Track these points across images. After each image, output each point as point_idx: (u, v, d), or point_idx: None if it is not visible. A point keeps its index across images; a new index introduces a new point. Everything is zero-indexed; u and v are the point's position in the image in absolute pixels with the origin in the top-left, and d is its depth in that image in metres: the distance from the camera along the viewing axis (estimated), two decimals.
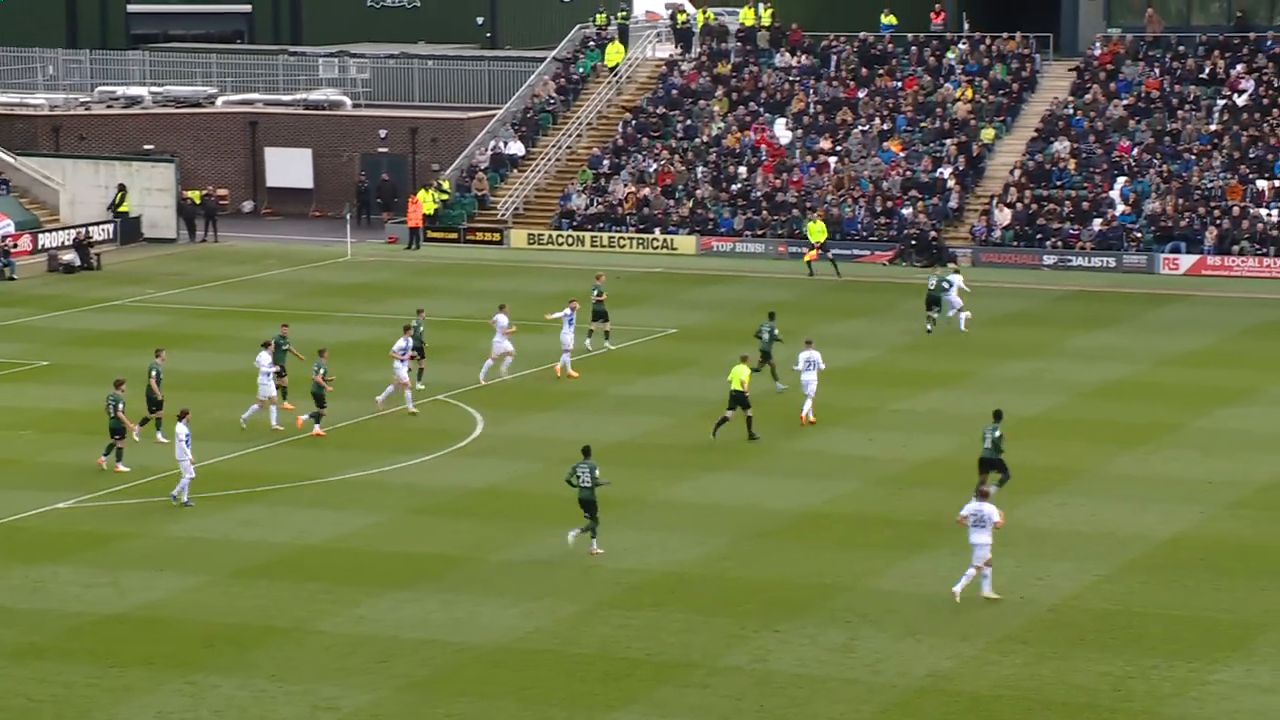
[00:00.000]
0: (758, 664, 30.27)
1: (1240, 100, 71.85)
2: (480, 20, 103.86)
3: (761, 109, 76.44)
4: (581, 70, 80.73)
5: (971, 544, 32.77)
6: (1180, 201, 67.93)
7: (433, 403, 47.20)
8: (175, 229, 75.19)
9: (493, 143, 77.78)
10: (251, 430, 44.75)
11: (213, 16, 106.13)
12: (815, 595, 33.31)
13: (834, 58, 77.62)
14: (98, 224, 73.34)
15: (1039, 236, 67.98)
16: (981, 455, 38.37)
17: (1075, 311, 59.70)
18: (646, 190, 73.52)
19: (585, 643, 31.25)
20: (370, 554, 36.09)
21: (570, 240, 72.32)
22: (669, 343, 55.39)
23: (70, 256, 69.65)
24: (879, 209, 70.32)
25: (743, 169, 73.81)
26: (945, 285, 55.60)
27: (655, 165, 74.62)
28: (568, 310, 50.33)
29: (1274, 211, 67.10)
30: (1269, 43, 73.68)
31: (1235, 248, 65.89)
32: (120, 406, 41.45)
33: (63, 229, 72.73)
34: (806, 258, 65.81)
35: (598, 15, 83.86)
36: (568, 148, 77.19)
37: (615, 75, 79.70)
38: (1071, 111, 72.84)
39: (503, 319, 49.53)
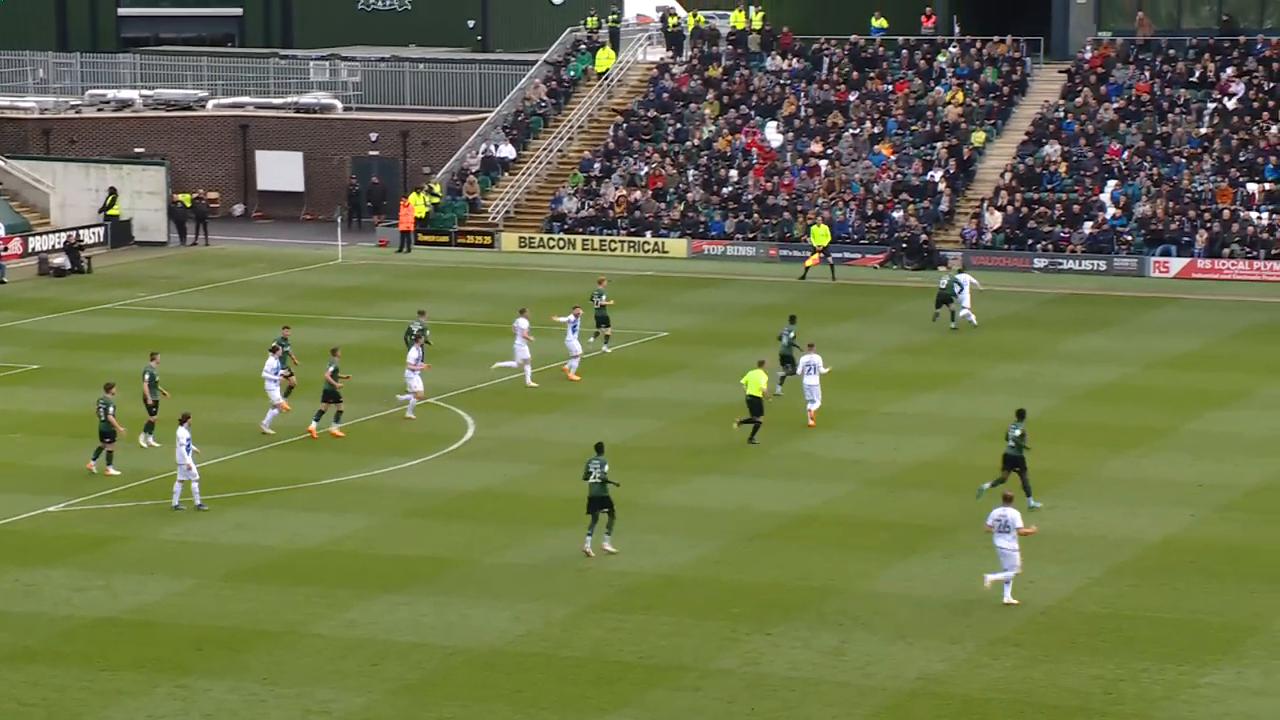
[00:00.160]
0: (749, 667, 30.30)
1: (1230, 103, 71.96)
2: (471, 23, 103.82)
3: (752, 112, 76.48)
4: (572, 73, 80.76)
5: (997, 548, 32.80)
6: (1171, 205, 68.03)
7: (425, 406, 47.18)
8: (166, 232, 75.15)
9: (484, 146, 77.78)
10: (246, 433, 44.72)
11: (203, 19, 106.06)
12: (807, 598, 33.34)
13: (825, 61, 77.69)
14: (88, 227, 73.29)
15: (1030, 240, 68.06)
16: (1005, 453, 38.43)
17: (1066, 314, 59.78)
18: (638, 193, 73.55)
19: (577, 646, 31.27)
20: (363, 557, 36.10)
21: (561, 243, 72.34)
22: (660, 346, 55.41)
23: (61, 260, 69.60)
24: (870, 212, 70.39)
25: (734, 172, 73.86)
26: (957, 287, 56.14)
27: (646, 168, 74.65)
28: (571, 316, 50.41)
29: (1264, 215, 67.21)
30: (1259, 46, 73.81)
31: (1225, 251, 65.99)
32: (111, 410, 41.42)
33: (53, 232, 72.69)
34: (809, 262, 65.73)
35: (589, 18, 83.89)
36: (559, 151, 77.20)
37: (606, 79, 79.71)
38: (1062, 115, 72.94)
39: (523, 323, 49.56)
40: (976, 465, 41.92)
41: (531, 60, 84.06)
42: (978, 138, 72.99)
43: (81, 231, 72.33)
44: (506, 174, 76.67)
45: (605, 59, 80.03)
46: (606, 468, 35.70)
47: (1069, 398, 48.28)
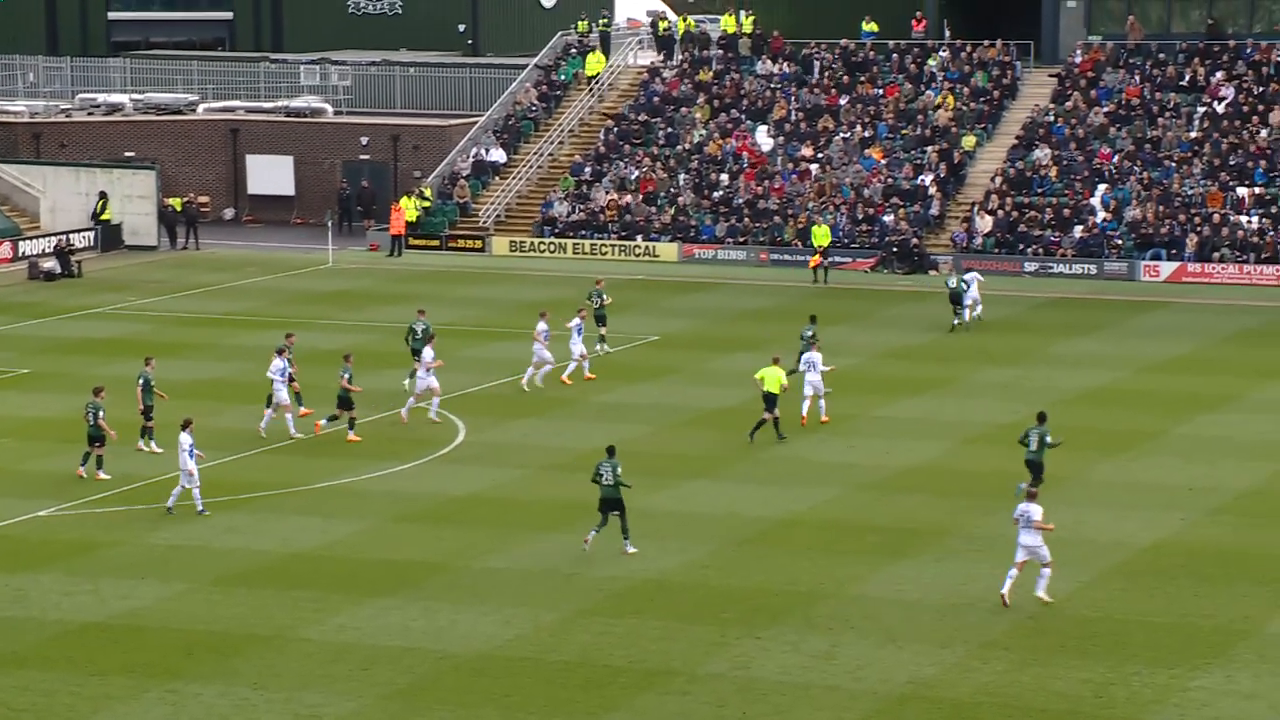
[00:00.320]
0: (739, 671, 30.29)
1: (1220, 107, 72.05)
2: (462, 27, 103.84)
3: (743, 116, 76.52)
4: (563, 77, 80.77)
5: (1019, 544, 32.88)
6: (1161, 209, 68.11)
7: (414, 410, 47.13)
8: (156, 236, 75.12)
9: (474, 150, 77.79)
10: (237, 437, 44.66)
11: (194, 24, 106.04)
12: (796, 602, 33.33)
13: (816, 65, 77.73)
14: (78, 231, 73.24)
15: (1020, 244, 68.11)
16: (1026, 458, 38.58)
17: (1056, 318, 59.82)
18: (628, 197, 73.56)
19: (566, 650, 31.25)
20: (352, 561, 36.06)
21: (552, 247, 72.34)
22: (651, 350, 55.40)
23: (51, 264, 69.53)
24: (860, 216, 70.42)
25: (724, 176, 73.90)
26: (964, 285, 56.81)
27: (637, 172, 74.67)
28: (576, 320, 50.49)
29: (1254, 219, 67.29)
30: (1248, 50, 73.91)
31: (1215, 255, 66.07)
32: (100, 414, 41.38)
33: (43, 236, 72.62)
34: (812, 263, 65.82)
35: (579, 22, 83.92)
36: (549, 155, 77.22)
37: (596, 83, 79.72)
38: (1052, 119, 73.01)
39: (543, 326, 49.62)
40: (967, 469, 42.00)
41: (522, 64, 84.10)
42: (968, 142, 73.05)
43: (72, 235, 72.28)
44: (497, 178, 76.68)
45: (595, 63, 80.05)
46: (619, 470, 35.84)
47: (1059, 401, 48.28)
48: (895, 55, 77.56)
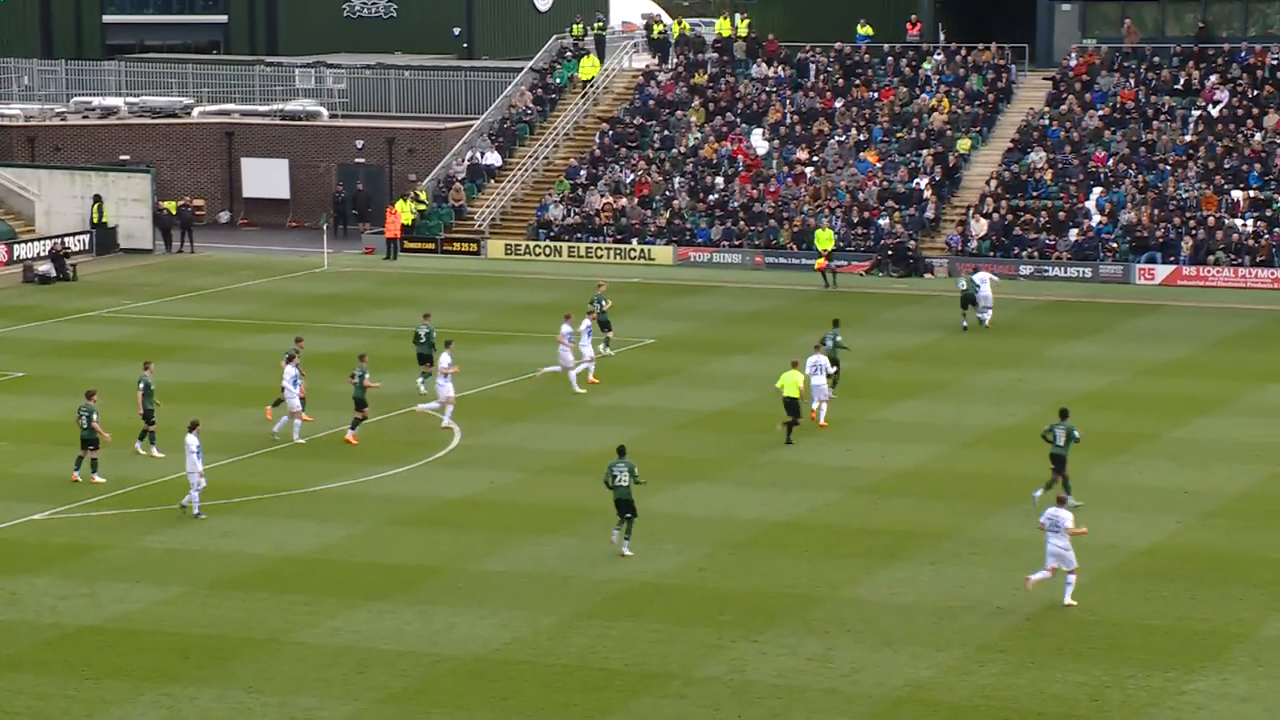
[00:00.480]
0: (735, 674, 30.28)
1: (1215, 111, 72.11)
2: (457, 30, 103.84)
3: (738, 119, 76.54)
4: (558, 81, 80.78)
5: (1049, 549, 32.98)
6: (1156, 212, 68.15)
7: (411, 413, 47.12)
8: (151, 239, 75.08)
9: (470, 153, 77.79)
10: (232, 440, 44.61)
11: (189, 27, 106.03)
12: (793, 605, 33.33)
13: (813, 68, 77.75)
14: (74, 235, 73.21)
15: (1015, 247, 68.14)
16: (1051, 453, 38.62)
17: (1051, 321, 59.84)
18: (623, 201, 73.57)
19: (563, 653, 31.24)
20: (348, 565, 36.04)
21: (547, 251, 72.34)
22: (647, 353, 55.40)
23: (46, 267, 69.49)
24: (856, 219, 70.44)
25: (720, 179, 73.92)
26: (975, 286, 57.23)
27: (632, 176, 74.68)
28: (586, 322, 50.61)
29: (1249, 222, 67.33)
30: (1243, 53, 73.97)
31: (1210, 258, 66.10)
32: (94, 417, 41.34)
33: (38, 240, 72.59)
34: (818, 266, 65.87)
35: (574, 26, 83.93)
36: (545, 158, 77.22)
37: (591, 87, 79.72)
38: (1047, 122, 73.05)
39: (567, 328, 49.68)
40: (963, 472, 42.01)
41: (517, 67, 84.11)
42: (963, 145, 73.08)
43: (67, 239, 72.25)
44: (492, 181, 76.68)
45: (590, 67, 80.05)
46: (636, 469, 35.99)
47: (1055, 405, 48.07)
48: (890, 58, 77.60)
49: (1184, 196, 68.65)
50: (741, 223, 71.43)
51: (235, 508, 39.64)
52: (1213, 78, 73.32)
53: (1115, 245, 67.37)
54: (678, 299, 64.28)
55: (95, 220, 74.20)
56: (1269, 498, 40.02)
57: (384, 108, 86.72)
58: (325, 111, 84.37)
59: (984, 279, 57.95)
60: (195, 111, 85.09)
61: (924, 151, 72.96)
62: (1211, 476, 41.53)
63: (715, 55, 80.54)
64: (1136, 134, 71.80)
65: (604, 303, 53.82)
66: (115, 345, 56.71)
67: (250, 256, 73.95)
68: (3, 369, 53.92)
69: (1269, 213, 67.69)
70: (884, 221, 69.77)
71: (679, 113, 77.58)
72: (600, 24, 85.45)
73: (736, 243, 70.79)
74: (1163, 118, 72.25)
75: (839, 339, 48.66)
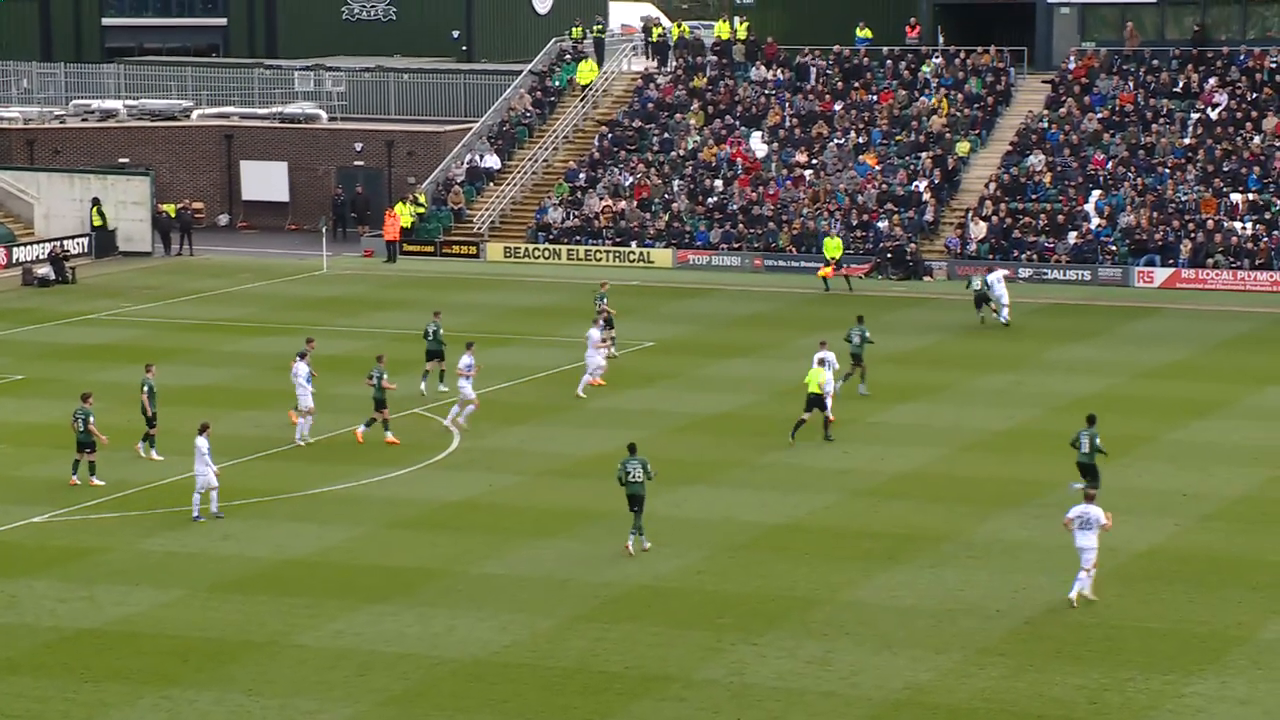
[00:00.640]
0: (735, 677, 30.30)
1: (1214, 114, 72.15)
2: (456, 33, 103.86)
3: (737, 122, 76.57)
4: (557, 84, 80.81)
5: (1078, 547, 33.03)
6: (1155, 215, 68.18)
7: (409, 416, 47.15)
8: (150, 242, 75.09)
9: (469, 156, 77.81)
10: (231, 443, 44.62)
11: (188, 30, 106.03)
12: (792, 608, 33.35)
13: (813, 71, 77.78)
14: (73, 237, 73.23)
15: (1014, 250, 68.15)
16: (1078, 461, 38.75)
17: (1050, 324, 59.86)
18: (623, 203, 73.60)
19: (562, 656, 31.25)
20: (348, 568, 36.06)
21: (546, 254, 72.37)
22: (646, 356, 55.41)
23: (45, 270, 69.52)
24: (855, 222, 70.47)
25: (719, 182, 73.94)
26: (989, 285, 58.11)
27: (631, 178, 74.72)
28: (594, 331, 50.90)
29: (1248, 225, 67.37)
30: (1241, 56, 74.01)
31: (1209, 261, 66.13)
32: (90, 420, 41.35)
33: (37, 242, 72.61)
34: (822, 273, 65.92)
35: (573, 29, 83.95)
36: (544, 161, 77.25)
37: (590, 91, 79.73)
38: (1046, 125, 73.08)
39: (595, 333, 49.76)
40: (962, 475, 42.03)
41: (516, 70, 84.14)
42: (962, 148, 73.12)
43: (66, 242, 72.26)
44: (491, 184, 76.70)
45: (588, 72, 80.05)
46: (648, 465, 36.20)
47: (1053, 408, 48.34)
48: (889, 61, 77.63)
49: (1183, 199, 68.68)
50: (741, 225, 71.45)
51: (235, 510, 39.64)
52: (1211, 81, 73.36)
53: (1114, 248, 67.40)
54: (677, 302, 64.31)
55: (94, 223, 74.22)
56: (1268, 500, 40.05)
57: (383, 110, 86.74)
58: (324, 114, 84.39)
59: (998, 278, 58.58)
60: (194, 114, 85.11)
61: (923, 154, 72.99)
62: (1210, 479, 41.55)
63: (714, 58, 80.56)
64: (1135, 137, 71.83)
65: (604, 302, 53.82)
66: (114, 348, 56.73)
67: (249, 259, 73.96)
68: (2, 372, 53.92)
69: (1268, 216, 67.73)
70: (883, 224, 69.81)
71: (678, 116, 77.61)
72: (599, 27, 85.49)
73: (736, 245, 70.82)
74: (1162, 121, 72.29)
75: (866, 334, 48.91)
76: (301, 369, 44.84)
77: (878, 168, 72.97)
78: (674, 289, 66.59)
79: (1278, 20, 78.33)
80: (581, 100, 79.52)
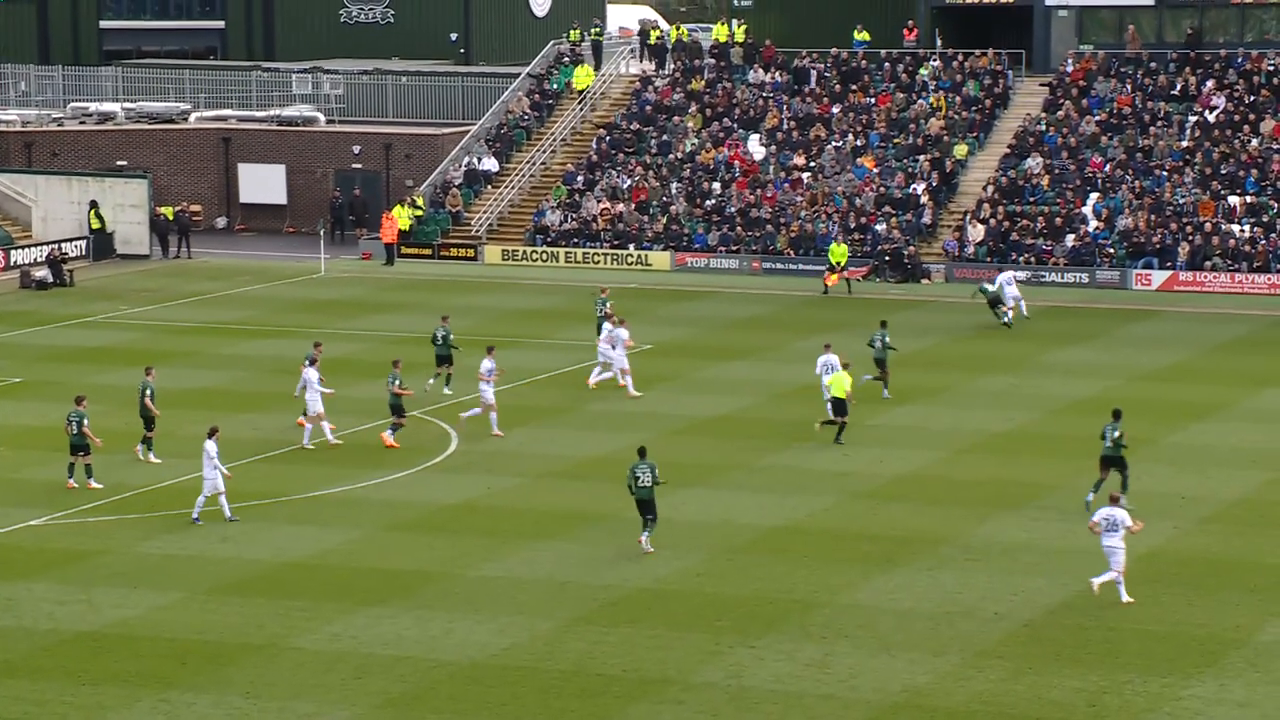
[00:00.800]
0: (733, 680, 30.29)
1: (1211, 116, 72.17)
2: (454, 36, 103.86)
3: (735, 125, 76.58)
4: (555, 86, 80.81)
5: (1105, 548, 33.14)
6: (1153, 217, 68.20)
7: (409, 418, 47.06)
8: (149, 245, 75.07)
9: (467, 159, 77.80)
10: (229, 446, 44.48)
11: (186, 33, 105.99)
12: (790, 610, 33.35)
13: (813, 73, 77.76)
14: (71, 240, 73.20)
15: (1012, 252, 68.15)
16: (1102, 454, 38.82)
17: (1048, 327, 59.84)
18: (621, 206, 73.60)
19: (561, 659, 31.25)
20: (346, 570, 36.05)
21: (544, 256, 72.37)
22: (644, 358, 55.32)
23: (43, 273, 69.50)
24: (853, 225, 70.47)
25: (717, 185, 73.94)
26: (1001, 286, 58.65)
27: (629, 181, 74.71)
28: (607, 326, 50.86)
29: (1245, 227, 67.38)
30: (1239, 59, 74.04)
31: (1207, 263, 66.15)
32: (84, 423, 41.33)
33: (35, 245, 72.59)
34: (830, 280, 65.88)
35: (572, 31, 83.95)
36: (542, 164, 77.24)
37: (587, 94, 79.70)
38: (1044, 128, 73.10)
39: (623, 333, 49.81)
40: (960, 478, 42.02)
41: (514, 73, 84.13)
42: (960, 150, 73.12)
43: (64, 244, 72.24)
44: (489, 187, 76.69)
45: (584, 77, 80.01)
46: (656, 470, 36.21)
47: (1051, 410, 48.36)
48: (887, 64, 77.65)
49: (1181, 202, 68.69)
50: (739, 228, 71.45)
51: (234, 513, 39.59)
52: (1209, 84, 73.38)
53: (1112, 251, 67.40)
54: (675, 304, 64.30)
55: (92, 226, 74.20)
56: (1266, 503, 40.05)
57: (381, 113, 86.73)
58: (322, 117, 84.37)
59: (1009, 279, 59.35)
60: (192, 117, 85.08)
61: (921, 157, 73.00)
62: (1208, 482, 41.56)
63: (712, 61, 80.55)
64: (1133, 140, 71.85)
65: (606, 306, 53.79)
66: (112, 351, 56.71)
67: (247, 262, 73.94)
68: (0, 374, 53.89)
69: (1265, 218, 67.75)
70: (881, 227, 69.81)
71: (676, 118, 77.61)
72: (597, 30, 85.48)
73: (734, 248, 70.82)
74: (1159, 123, 72.30)
75: (887, 339, 48.97)
76: (312, 375, 44.81)
77: (875, 170, 72.98)
78: (672, 291, 66.59)
79: (1275, 23, 78.34)
80: (579, 103, 79.53)
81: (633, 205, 73.64)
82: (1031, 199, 70.35)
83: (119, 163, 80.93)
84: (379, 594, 34.40)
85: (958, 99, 75.46)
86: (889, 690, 29.80)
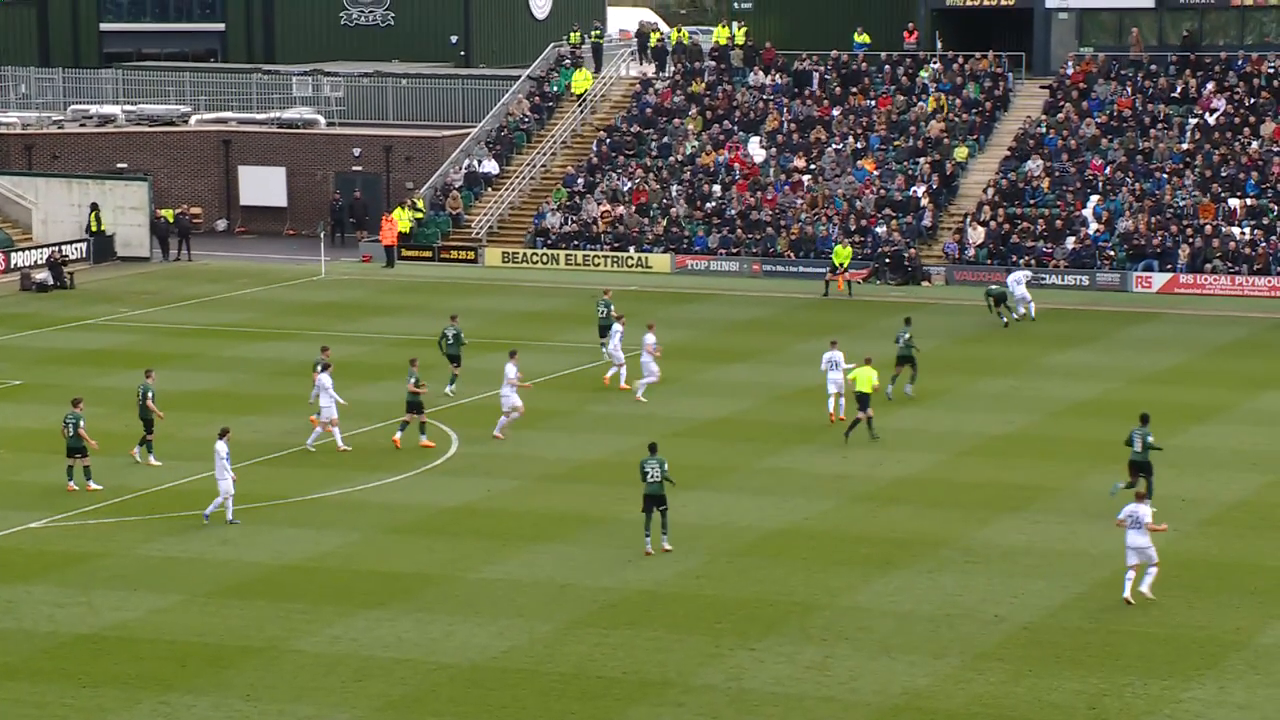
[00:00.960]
0: (733, 682, 30.29)
1: (1211, 119, 72.19)
2: (454, 38, 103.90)
3: (735, 127, 76.60)
4: (556, 89, 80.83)
5: (1128, 546, 33.23)
6: (1153, 220, 68.21)
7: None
8: (149, 248, 75.09)
9: (467, 161, 77.82)
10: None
11: (186, 35, 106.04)
12: (790, 613, 33.34)
13: (813, 75, 77.77)
14: (71, 243, 73.22)
15: (1012, 255, 68.16)
16: (1131, 459, 38.92)
17: (1049, 329, 59.84)
18: (621, 209, 73.61)
19: (561, 661, 31.24)
20: (346, 573, 36.05)
21: (545, 259, 72.38)
22: None
23: (43, 275, 69.51)
24: (853, 227, 70.47)
25: (717, 187, 73.96)
26: (1008, 287, 59.60)
27: (630, 184, 74.72)
28: (617, 327, 50.77)
29: (1245, 230, 67.40)
30: (1239, 62, 74.06)
31: (1207, 266, 66.15)
32: (81, 425, 41.33)
33: (36, 247, 72.61)
34: (838, 282, 65.82)
35: (572, 34, 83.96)
36: (542, 166, 77.25)
37: (587, 97, 79.69)
38: (1044, 130, 73.12)
39: (650, 338, 49.85)
40: (960, 480, 42.02)
41: (515, 75, 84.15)
42: (960, 153, 73.13)
43: (64, 247, 72.25)
44: (490, 189, 76.71)
45: (582, 81, 80.00)
46: (666, 466, 36.34)
47: (1051, 413, 48.36)
48: (887, 67, 77.67)
49: (1181, 205, 68.71)
50: (739, 230, 71.47)
51: (235, 515, 39.58)
52: (1209, 86, 73.40)
53: (1112, 253, 67.41)
54: (675, 307, 64.29)
55: (92, 228, 74.22)
56: (1266, 505, 40.06)
57: (381, 116, 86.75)
58: (322, 119, 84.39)
59: (1019, 278, 60.26)
60: (192, 119, 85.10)
61: (921, 159, 73.01)
62: (1208, 484, 41.56)
63: (712, 63, 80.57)
64: (1134, 142, 71.87)
65: (610, 308, 53.78)
66: (112, 353, 56.72)
67: (247, 264, 73.95)
68: (0, 377, 53.90)
69: (1266, 221, 67.76)
70: (881, 229, 69.81)
71: (676, 121, 77.63)
72: (598, 32, 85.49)
73: (734, 250, 70.83)
74: (1160, 126, 72.32)
75: (909, 337, 48.99)
76: (326, 380, 44.78)
77: (876, 173, 72.98)
78: (672, 294, 66.58)
79: (1275, 25, 78.36)
80: (579, 106, 79.54)
81: (633, 208, 73.66)
82: (1032, 201, 70.36)
83: (119, 165, 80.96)
84: (379, 596, 34.40)
85: (958, 101, 75.47)
86: (889, 692, 29.80)
